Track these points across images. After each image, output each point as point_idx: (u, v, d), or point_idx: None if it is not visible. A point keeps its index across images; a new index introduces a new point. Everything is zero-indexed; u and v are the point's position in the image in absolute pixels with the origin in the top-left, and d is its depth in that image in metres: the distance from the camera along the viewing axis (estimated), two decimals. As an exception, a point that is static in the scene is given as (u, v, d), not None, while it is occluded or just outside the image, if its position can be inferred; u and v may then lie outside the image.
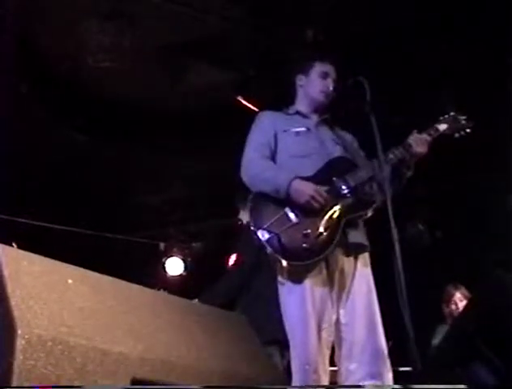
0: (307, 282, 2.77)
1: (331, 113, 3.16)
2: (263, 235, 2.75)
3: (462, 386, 1.96)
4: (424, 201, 5.96)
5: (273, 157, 3.01)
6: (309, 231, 2.73)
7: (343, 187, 2.83)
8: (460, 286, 4.65)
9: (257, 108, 5.20)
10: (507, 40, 4.22)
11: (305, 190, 2.78)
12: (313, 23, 4.71)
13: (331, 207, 2.79)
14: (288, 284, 2.83)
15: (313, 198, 2.75)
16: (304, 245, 2.70)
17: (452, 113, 3.00)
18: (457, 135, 2.99)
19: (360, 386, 2.63)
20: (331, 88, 3.04)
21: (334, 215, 2.77)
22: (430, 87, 4.74)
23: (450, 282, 4.76)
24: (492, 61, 4.53)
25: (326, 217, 2.77)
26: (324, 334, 2.75)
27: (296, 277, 2.79)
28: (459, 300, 4.59)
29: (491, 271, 2.62)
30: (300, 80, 3.16)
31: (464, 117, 3.00)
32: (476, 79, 4.62)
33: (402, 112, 4.61)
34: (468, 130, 2.98)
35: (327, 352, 2.78)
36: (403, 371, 4.23)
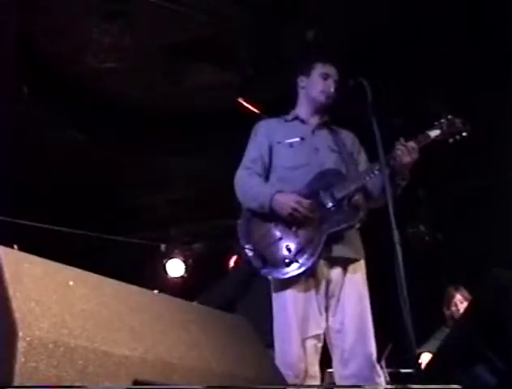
0: (291, 293, 2.82)
1: (332, 114, 3.15)
2: (249, 252, 2.82)
3: (455, 386, 1.96)
4: (425, 202, 5.96)
5: (268, 170, 3.03)
6: (291, 245, 2.77)
7: (329, 201, 2.83)
8: (461, 287, 4.66)
9: (257, 108, 5.21)
10: (508, 42, 4.22)
11: (287, 203, 2.81)
12: (313, 24, 4.71)
13: (315, 221, 2.80)
14: (275, 295, 2.90)
15: (294, 209, 2.79)
16: (286, 260, 2.74)
17: (448, 117, 2.93)
18: (451, 141, 2.91)
19: (359, 386, 2.65)
20: (332, 89, 3.04)
21: (317, 230, 2.79)
22: (431, 87, 4.74)
23: (450, 283, 4.76)
24: (492, 63, 4.53)
25: (309, 232, 2.78)
26: (310, 342, 2.78)
27: (281, 288, 2.86)
28: (460, 301, 4.59)
29: (491, 272, 2.62)
30: (302, 81, 3.17)
31: (460, 121, 2.92)
32: (477, 80, 4.62)
33: (403, 113, 4.61)
34: (464, 134, 2.89)
35: (315, 358, 2.80)
36: (403, 373, 4.24)
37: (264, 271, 2.81)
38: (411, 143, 2.85)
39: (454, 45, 4.58)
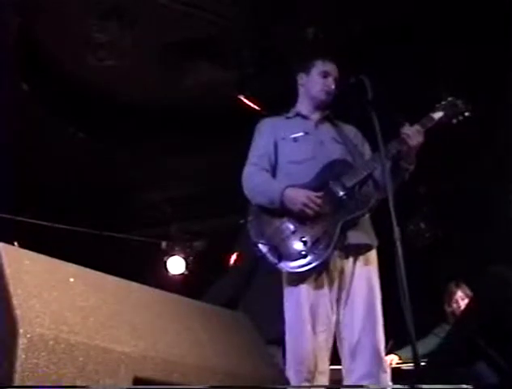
0: (304, 287, 2.80)
1: (333, 109, 3.15)
2: (263, 248, 2.78)
3: (464, 386, 1.96)
4: (426, 199, 5.95)
5: (274, 167, 3.02)
6: (306, 238, 2.75)
7: (340, 190, 2.83)
8: (462, 284, 4.65)
9: (258, 106, 5.20)
10: (508, 36, 4.22)
11: (298, 198, 2.79)
12: (313, 22, 4.70)
13: (328, 212, 2.79)
14: (288, 289, 2.88)
15: (305, 205, 2.77)
16: (302, 252, 2.72)
17: (449, 99, 2.94)
18: (454, 121, 2.92)
19: (360, 386, 2.64)
20: (332, 87, 3.04)
21: (331, 220, 2.78)
22: (432, 84, 4.74)
23: (451, 280, 4.75)
24: (493, 58, 4.52)
25: (323, 222, 2.78)
26: (321, 336, 2.77)
27: (295, 282, 2.83)
28: (461, 298, 4.58)
29: (492, 269, 2.62)
30: (301, 79, 3.17)
31: (462, 101, 2.92)
32: (477, 76, 4.61)
33: (404, 109, 4.60)
34: (467, 114, 2.90)
35: (326, 354, 2.79)
36: (404, 369, 4.24)
37: (280, 266, 2.77)
38: (417, 126, 2.86)
39: (455, 44, 4.57)
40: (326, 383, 2.80)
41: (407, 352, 4.25)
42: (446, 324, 4.61)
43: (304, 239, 2.75)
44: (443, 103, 2.94)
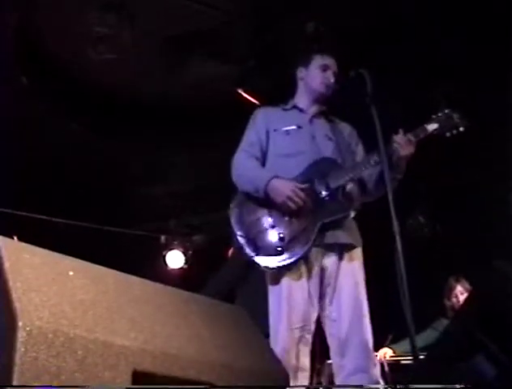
0: (285, 282, 2.81)
1: (331, 104, 3.15)
2: (241, 240, 2.79)
3: (458, 386, 1.96)
4: (425, 194, 5.96)
5: (264, 156, 3.02)
6: (283, 234, 2.75)
7: (323, 190, 2.82)
8: (461, 279, 4.65)
9: (257, 100, 5.19)
10: (508, 36, 4.21)
11: (282, 190, 2.79)
12: (313, 16, 4.69)
13: (309, 210, 2.79)
14: (270, 286, 2.89)
15: (289, 198, 2.77)
16: (278, 248, 2.72)
17: (446, 111, 2.90)
18: (448, 135, 2.87)
19: (360, 386, 2.64)
20: (332, 80, 3.04)
21: (311, 218, 2.77)
22: (432, 79, 4.73)
23: (450, 275, 4.76)
24: (492, 55, 4.51)
25: (303, 220, 2.77)
26: (297, 333, 2.77)
27: (276, 278, 2.85)
28: (460, 293, 4.59)
29: (491, 263, 2.62)
30: (301, 72, 3.17)
31: (458, 115, 2.88)
32: (477, 73, 4.60)
33: (403, 104, 4.60)
34: (462, 129, 2.86)
35: (304, 350, 2.78)
36: (403, 364, 4.25)
37: (256, 259, 2.78)
38: (409, 136, 2.84)
39: (455, 41, 4.56)
40: (307, 379, 2.79)
41: (402, 346, 4.26)
42: (445, 318, 4.62)
43: (281, 235, 2.76)
44: (439, 115, 2.90)
